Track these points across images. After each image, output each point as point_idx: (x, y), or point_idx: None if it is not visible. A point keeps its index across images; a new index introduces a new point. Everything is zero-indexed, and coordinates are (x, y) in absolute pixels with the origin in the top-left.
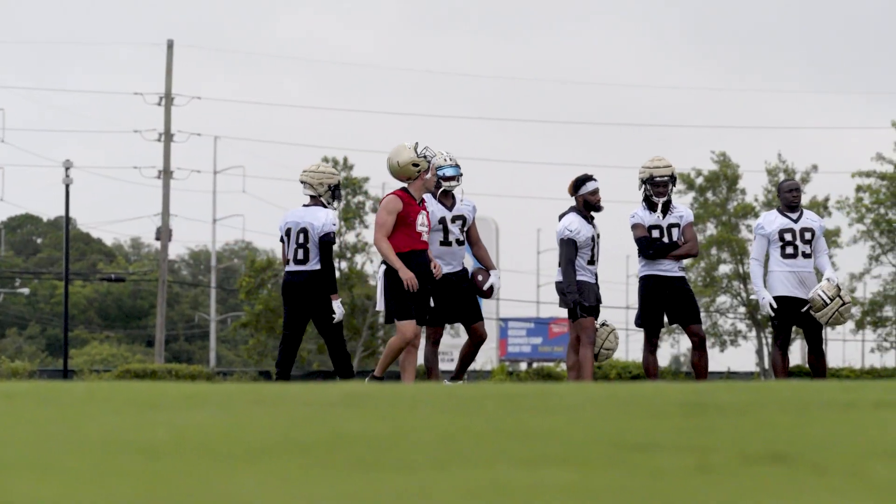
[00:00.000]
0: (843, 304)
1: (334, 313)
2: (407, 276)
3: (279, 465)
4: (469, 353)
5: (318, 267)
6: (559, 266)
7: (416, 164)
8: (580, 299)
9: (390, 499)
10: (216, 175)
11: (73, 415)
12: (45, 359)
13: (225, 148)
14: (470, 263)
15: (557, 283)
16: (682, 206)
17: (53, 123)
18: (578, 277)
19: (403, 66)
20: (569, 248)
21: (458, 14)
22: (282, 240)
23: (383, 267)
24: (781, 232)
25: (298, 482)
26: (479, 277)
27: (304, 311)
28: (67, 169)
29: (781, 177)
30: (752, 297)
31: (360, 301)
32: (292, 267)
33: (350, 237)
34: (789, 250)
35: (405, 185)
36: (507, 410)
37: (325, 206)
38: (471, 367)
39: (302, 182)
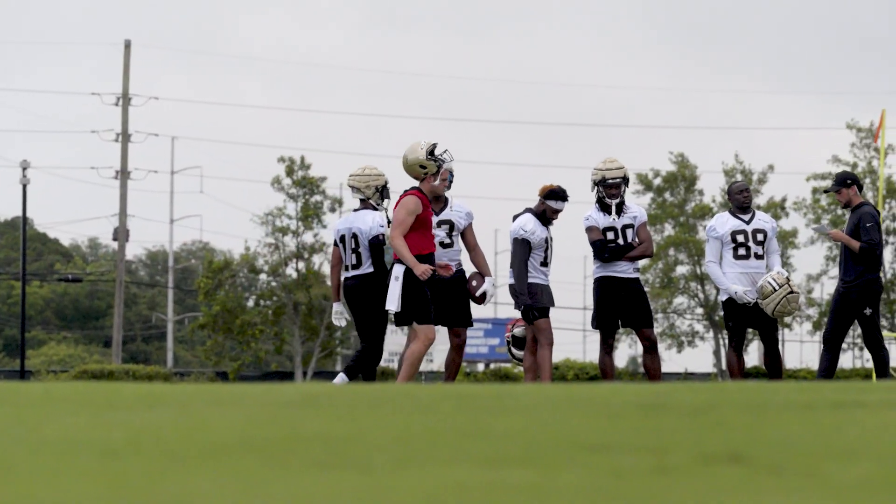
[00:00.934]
0: (791, 291)
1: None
2: (421, 269)
3: (236, 464)
4: (454, 360)
5: (370, 270)
6: (511, 267)
7: (422, 166)
8: (531, 302)
9: (348, 499)
10: (174, 175)
11: (30, 415)
12: (2, 359)
13: (182, 148)
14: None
15: (511, 286)
16: (636, 206)
17: (10, 123)
18: (532, 279)
19: (361, 66)
20: (523, 248)
21: (415, 15)
22: (336, 244)
23: (400, 268)
24: (734, 233)
25: (255, 482)
26: (474, 283)
27: (364, 314)
28: (24, 169)
29: (739, 177)
30: (720, 297)
31: (317, 302)
32: (348, 273)
33: (308, 237)
34: (742, 251)
35: (418, 185)
36: (464, 411)
37: (374, 209)
38: (429, 368)
39: (350, 187)
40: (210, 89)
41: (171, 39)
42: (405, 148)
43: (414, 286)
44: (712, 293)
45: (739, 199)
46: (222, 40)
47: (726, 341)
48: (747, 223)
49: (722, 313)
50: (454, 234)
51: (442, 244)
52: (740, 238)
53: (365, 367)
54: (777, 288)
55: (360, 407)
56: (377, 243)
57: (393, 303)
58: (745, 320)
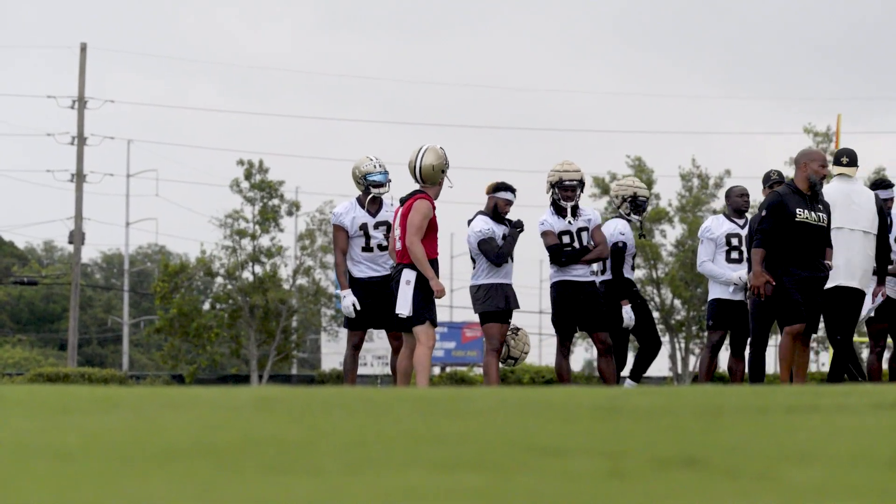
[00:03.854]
0: None
1: (623, 321)
2: (439, 287)
3: (190, 468)
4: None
5: (609, 277)
6: (494, 264)
7: (443, 170)
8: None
9: (302, 503)
10: (129, 178)
11: None
12: None
13: (138, 151)
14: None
15: (472, 286)
16: (590, 208)
17: None
18: (489, 280)
19: (318, 69)
20: (489, 244)
21: (369, 18)
22: None
23: (412, 273)
24: (728, 237)
25: (209, 486)
26: None
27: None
28: None
29: (695, 182)
30: (710, 296)
31: (273, 305)
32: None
33: (265, 240)
34: (735, 255)
35: (421, 189)
36: (419, 414)
37: (622, 217)
38: (386, 372)
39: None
40: (166, 92)
41: (127, 42)
42: (422, 154)
43: (425, 290)
44: (668, 297)
45: (739, 202)
46: (178, 43)
47: (681, 345)
48: (742, 227)
49: (703, 314)
50: (389, 235)
51: (380, 246)
52: (734, 241)
53: (646, 362)
54: None
55: (313, 411)
56: (616, 251)
57: (405, 307)
58: (727, 323)
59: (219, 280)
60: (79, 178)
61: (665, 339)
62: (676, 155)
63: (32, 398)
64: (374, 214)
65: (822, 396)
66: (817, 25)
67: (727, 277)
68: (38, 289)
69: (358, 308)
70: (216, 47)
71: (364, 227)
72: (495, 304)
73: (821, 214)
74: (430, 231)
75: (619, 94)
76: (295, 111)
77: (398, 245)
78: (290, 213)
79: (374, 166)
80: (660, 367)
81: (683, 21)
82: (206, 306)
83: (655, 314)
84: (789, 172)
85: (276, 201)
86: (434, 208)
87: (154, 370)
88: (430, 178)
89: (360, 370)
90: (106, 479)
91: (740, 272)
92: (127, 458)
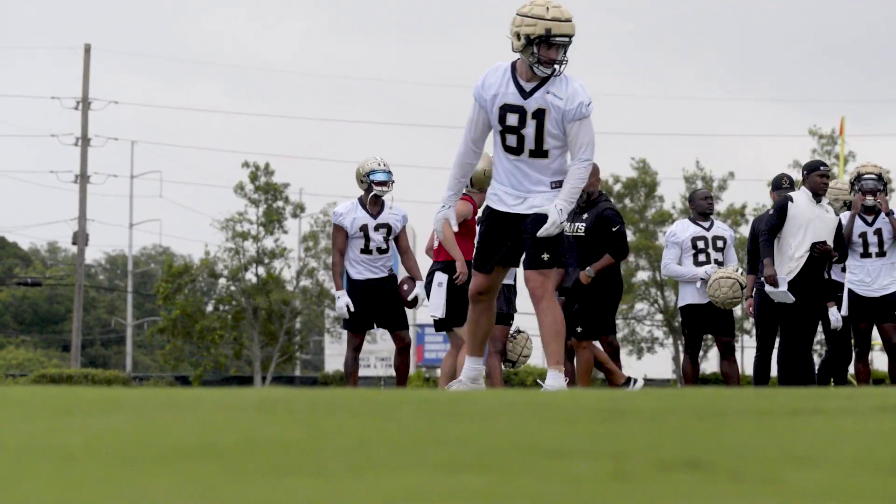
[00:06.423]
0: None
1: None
2: (462, 269)
3: (193, 469)
4: (402, 363)
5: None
6: None
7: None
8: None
9: None
10: (133, 179)
11: None
12: None
13: (142, 152)
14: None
15: None
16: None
17: None
18: None
19: (322, 71)
20: None
21: (375, 19)
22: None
23: (443, 275)
24: (694, 240)
25: (212, 487)
26: (405, 287)
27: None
28: None
29: (699, 184)
30: (679, 302)
31: (277, 306)
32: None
33: (268, 242)
34: (701, 258)
35: (469, 191)
36: (422, 416)
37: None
38: (390, 373)
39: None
40: (170, 93)
41: (131, 43)
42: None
43: (457, 292)
44: (672, 299)
45: (703, 205)
46: (182, 44)
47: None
48: (707, 230)
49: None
50: (390, 237)
51: (379, 249)
52: (700, 244)
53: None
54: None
55: (317, 412)
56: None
57: (438, 309)
58: (702, 327)
59: (222, 282)
60: (82, 179)
61: (668, 341)
62: (680, 157)
63: (35, 399)
64: (375, 216)
65: (826, 399)
66: (821, 27)
67: (692, 274)
68: (41, 290)
69: (352, 309)
70: (220, 49)
71: (364, 228)
72: (496, 307)
73: (577, 224)
74: (468, 234)
75: (622, 96)
76: (299, 112)
77: (435, 243)
78: (294, 216)
79: (378, 164)
80: (663, 369)
81: (686, 22)
82: (210, 308)
83: (659, 316)
84: (794, 174)
85: (280, 203)
86: (475, 212)
87: (157, 371)
88: (479, 183)
89: (363, 371)
90: (109, 480)
91: (706, 267)
92: (130, 459)
